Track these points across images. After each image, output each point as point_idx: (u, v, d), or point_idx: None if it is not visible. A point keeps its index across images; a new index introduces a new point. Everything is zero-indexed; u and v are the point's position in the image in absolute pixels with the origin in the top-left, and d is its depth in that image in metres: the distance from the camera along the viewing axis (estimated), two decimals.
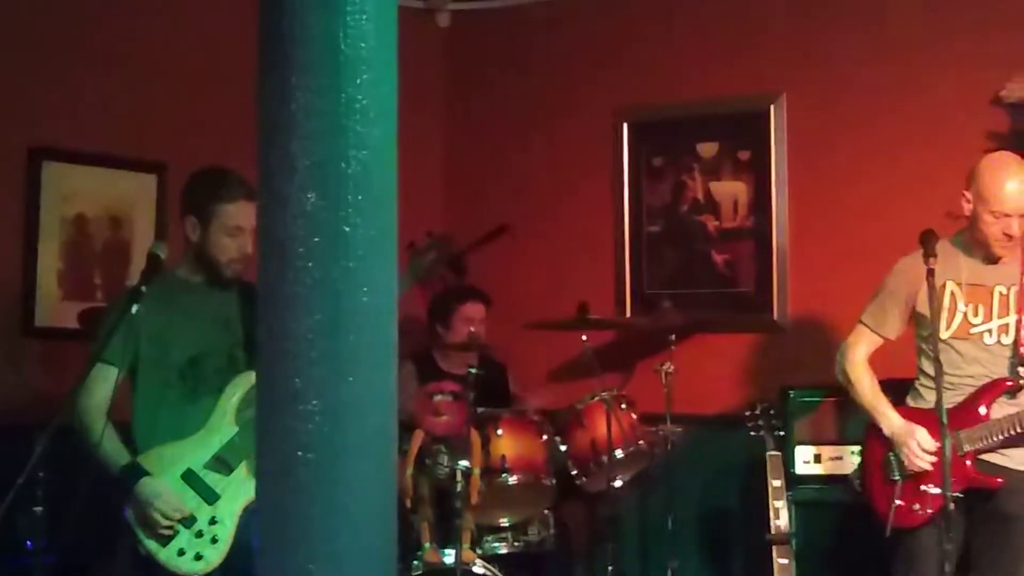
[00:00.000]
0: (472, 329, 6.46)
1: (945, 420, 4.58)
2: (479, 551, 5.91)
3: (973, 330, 4.98)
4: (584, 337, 6.30)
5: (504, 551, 6.09)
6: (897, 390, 5.26)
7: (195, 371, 4.60)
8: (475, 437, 5.78)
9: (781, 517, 5.68)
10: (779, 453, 5.83)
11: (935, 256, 4.84)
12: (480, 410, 5.89)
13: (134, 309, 4.33)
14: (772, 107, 7.00)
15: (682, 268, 7.26)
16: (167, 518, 4.41)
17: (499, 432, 5.93)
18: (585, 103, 7.50)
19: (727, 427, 6.34)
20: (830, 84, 6.88)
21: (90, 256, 6.41)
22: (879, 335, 5.24)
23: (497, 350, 6.54)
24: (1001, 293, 4.98)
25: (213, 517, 4.49)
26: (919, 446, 4.96)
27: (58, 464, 4.51)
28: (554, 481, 6.04)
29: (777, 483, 5.73)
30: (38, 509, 5.26)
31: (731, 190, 7.17)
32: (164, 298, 4.52)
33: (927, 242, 4.85)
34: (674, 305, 6.76)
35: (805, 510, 6.06)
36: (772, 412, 5.88)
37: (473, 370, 5.86)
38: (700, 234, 7.21)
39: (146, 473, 4.45)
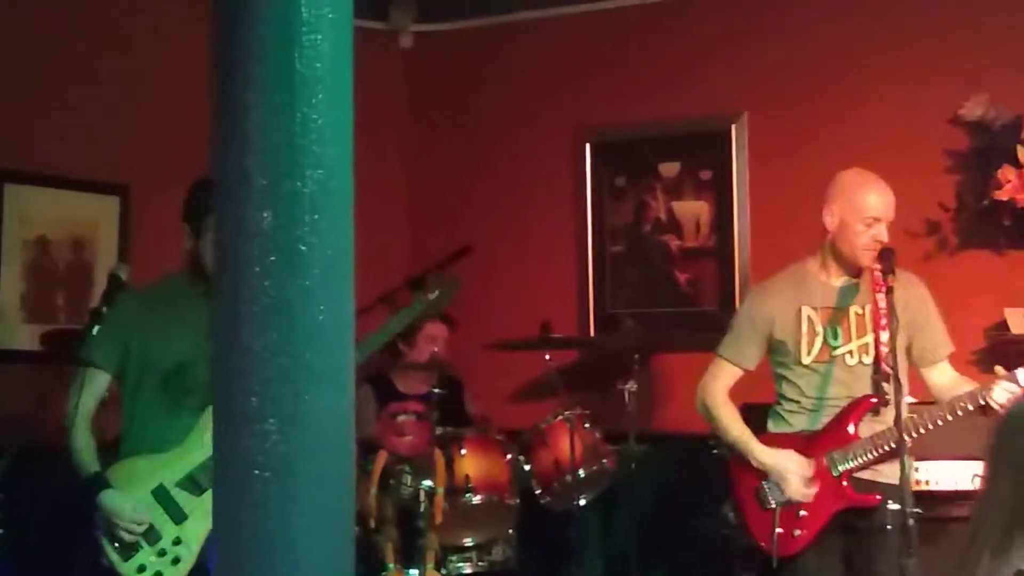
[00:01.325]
0: (435, 349, 6.47)
1: (902, 434, 4.61)
2: (443, 571, 5.92)
3: (834, 352, 5.02)
4: (547, 356, 6.32)
5: (468, 571, 6.10)
6: (761, 414, 5.27)
7: (179, 381, 4.57)
8: (439, 457, 5.79)
9: (744, 534, 5.69)
10: None
11: (894, 274, 4.87)
12: (443, 430, 5.90)
13: (95, 331, 4.32)
14: (733, 126, 7.05)
15: (645, 287, 7.29)
16: (129, 531, 4.40)
17: (463, 452, 5.94)
18: (547, 124, 7.53)
19: (690, 445, 6.34)
20: (790, 103, 6.93)
21: (53, 278, 6.40)
22: (738, 367, 5.27)
23: (458, 369, 6.54)
24: (857, 313, 5.02)
25: (178, 537, 4.47)
26: (800, 478, 4.98)
27: (20, 486, 4.49)
28: (518, 500, 6.06)
29: None
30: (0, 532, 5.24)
31: (693, 209, 7.20)
32: (158, 304, 4.52)
33: (886, 259, 4.89)
34: (637, 324, 6.78)
35: None
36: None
37: (437, 390, 5.88)
38: (662, 253, 7.24)
39: (108, 485, 4.44)
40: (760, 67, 7.02)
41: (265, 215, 2.02)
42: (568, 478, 6.05)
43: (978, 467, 5.80)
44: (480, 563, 6.15)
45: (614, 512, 6.81)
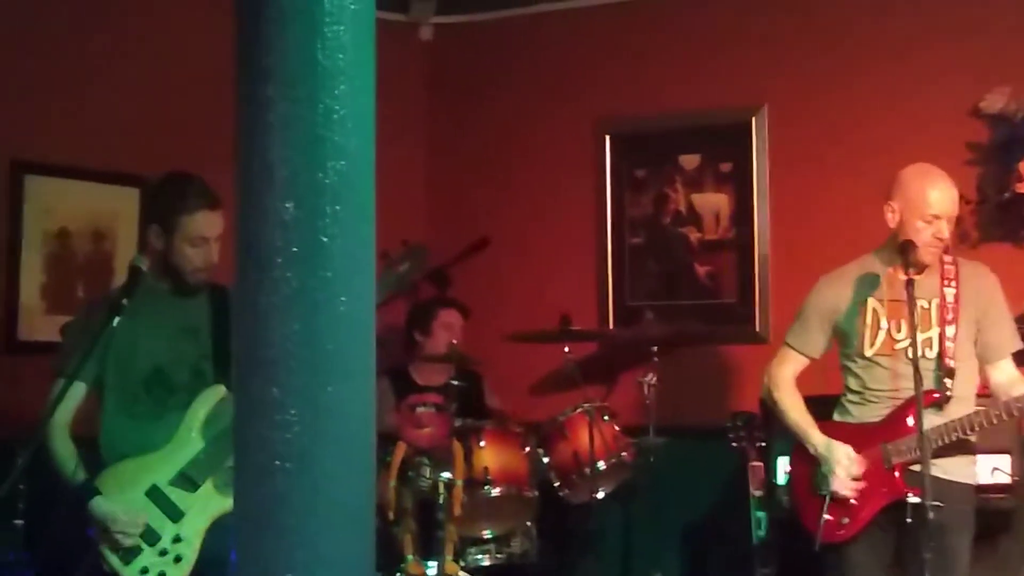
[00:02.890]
0: (453, 341, 6.46)
1: (925, 440, 4.60)
2: (462, 563, 5.92)
3: (897, 346, 5.01)
4: (567, 349, 6.31)
5: (487, 563, 6.10)
6: (826, 406, 5.27)
7: (161, 383, 4.57)
8: (458, 449, 5.79)
9: (763, 527, 5.70)
10: (761, 464, 5.84)
11: (914, 267, 4.87)
12: (462, 422, 5.90)
13: (115, 322, 4.31)
14: (754, 119, 7.03)
15: (664, 280, 7.28)
16: (127, 535, 4.39)
17: (482, 444, 5.94)
18: (567, 115, 7.52)
19: (709, 438, 6.34)
20: (811, 96, 6.91)
21: (73, 269, 6.41)
22: (804, 355, 5.28)
23: (476, 361, 6.53)
24: (923, 307, 4.99)
25: (177, 535, 4.45)
26: (847, 473, 4.99)
27: (39, 477, 4.50)
28: (537, 493, 6.05)
29: (759, 493, 5.74)
30: (19, 522, 5.26)
31: (713, 202, 7.19)
32: (130, 307, 4.43)
33: (906, 252, 4.88)
34: (656, 317, 6.77)
35: (787, 520, 6.06)
36: (754, 423, 5.89)
37: (455, 382, 5.87)
38: (682, 246, 7.23)
39: (97, 493, 4.43)
40: (781, 60, 7.00)
41: (287, 206, 2.02)
42: (587, 471, 6.04)
43: (997, 460, 5.80)
44: (498, 555, 6.15)
45: (633, 505, 6.80)
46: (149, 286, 4.59)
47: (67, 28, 6.41)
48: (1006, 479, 5.87)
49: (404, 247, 5.24)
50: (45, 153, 6.28)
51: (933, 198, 4.97)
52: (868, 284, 5.12)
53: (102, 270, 6.46)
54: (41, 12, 6.33)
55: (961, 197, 6.28)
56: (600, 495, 6.16)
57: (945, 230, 4.97)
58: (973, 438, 4.98)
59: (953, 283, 5.03)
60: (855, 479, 4.99)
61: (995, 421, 4.88)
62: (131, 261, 4.53)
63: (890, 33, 6.75)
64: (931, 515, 4.49)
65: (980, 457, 5.32)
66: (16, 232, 6.23)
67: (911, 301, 4.80)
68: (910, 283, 4.80)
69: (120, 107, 6.50)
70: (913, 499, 4.68)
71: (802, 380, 5.32)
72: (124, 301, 4.33)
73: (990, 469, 5.80)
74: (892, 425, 4.99)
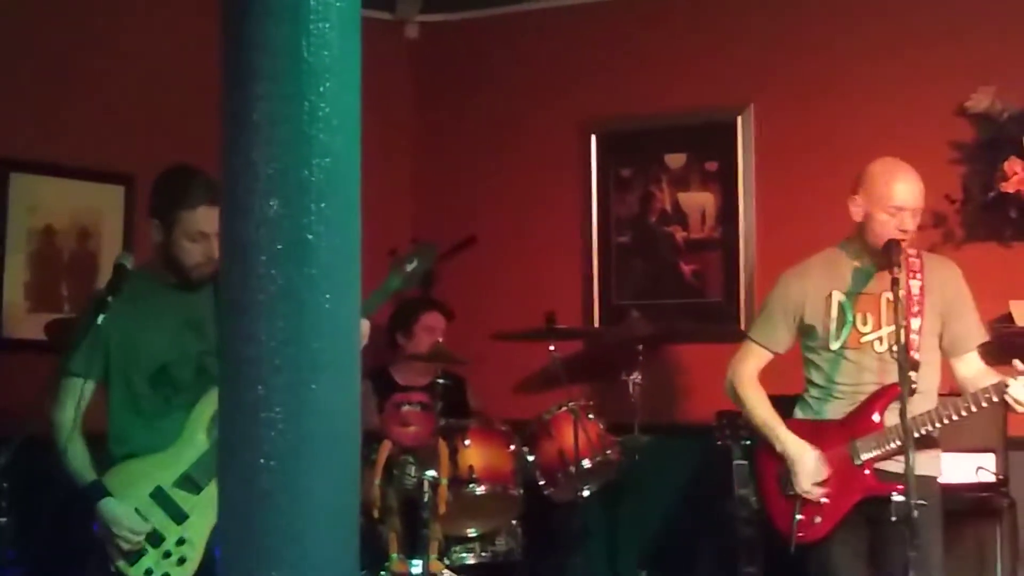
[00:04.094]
0: (439, 340, 6.45)
1: (908, 428, 4.59)
2: (447, 561, 5.92)
3: (863, 339, 4.97)
4: (552, 347, 6.31)
5: (472, 561, 6.11)
6: (784, 405, 5.22)
7: (166, 381, 4.54)
8: (443, 447, 5.79)
9: (748, 526, 5.70)
10: (746, 462, 5.83)
11: (899, 266, 4.85)
12: (447, 420, 5.90)
13: (100, 319, 4.29)
14: (739, 118, 7.03)
15: (650, 278, 7.28)
16: (127, 541, 4.37)
17: (467, 442, 5.94)
18: (553, 114, 7.52)
19: (694, 437, 6.35)
20: (797, 95, 6.93)
21: (57, 268, 6.40)
22: (768, 350, 5.23)
23: (461, 359, 6.52)
24: (888, 300, 4.94)
25: (181, 537, 4.43)
26: (810, 478, 4.95)
27: (25, 475, 4.49)
28: (522, 491, 6.06)
29: (744, 492, 5.74)
30: (4, 520, 5.24)
31: (699, 201, 7.19)
32: (133, 301, 4.41)
33: (891, 251, 4.86)
34: (642, 315, 6.77)
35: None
36: (739, 422, 5.88)
37: (441, 380, 5.87)
38: (668, 245, 7.24)
39: (107, 493, 4.41)
40: (767, 58, 7.01)
41: (272, 204, 2.02)
42: (572, 469, 6.04)
43: (982, 459, 5.81)
44: (483, 554, 6.16)
45: (618, 503, 6.80)
46: (152, 282, 4.57)
47: (51, 27, 6.39)
48: (990, 478, 5.88)
49: (413, 245, 5.23)
50: (30, 151, 6.27)
51: (896, 190, 4.93)
52: (833, 277, 5.08)
53: (87, 268, 6.45)
54: (24, 11, 6.31)
55: (946, 196, 6.35)
56: (585, 493, 6.17)
57: (909, 222, 4.93)
58: (936, 433, 4.95)
59: (918, 275, 4.99)
60: (819, 484, 4.96)
61: (964, 413, 4.81)
62: (116, 259, 4.51)
63: (876, 33, 6.76)
64: (915, 513, 4.47)
65: (964, 456, 5.32)
66: (0, 230, 6.22)
67: (896, 299, 4.78)
68: (895, 282, 4.78)
69: (105, 105, 6.49)
70: (897, 497, 4.66)
71: (761, 378, 5.28)
72: (109, 299, 4.31)
73: (975, 468, 5.81)
74: (858, 421, 4.94)
